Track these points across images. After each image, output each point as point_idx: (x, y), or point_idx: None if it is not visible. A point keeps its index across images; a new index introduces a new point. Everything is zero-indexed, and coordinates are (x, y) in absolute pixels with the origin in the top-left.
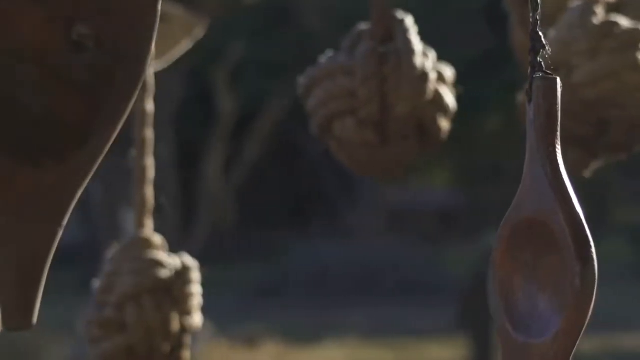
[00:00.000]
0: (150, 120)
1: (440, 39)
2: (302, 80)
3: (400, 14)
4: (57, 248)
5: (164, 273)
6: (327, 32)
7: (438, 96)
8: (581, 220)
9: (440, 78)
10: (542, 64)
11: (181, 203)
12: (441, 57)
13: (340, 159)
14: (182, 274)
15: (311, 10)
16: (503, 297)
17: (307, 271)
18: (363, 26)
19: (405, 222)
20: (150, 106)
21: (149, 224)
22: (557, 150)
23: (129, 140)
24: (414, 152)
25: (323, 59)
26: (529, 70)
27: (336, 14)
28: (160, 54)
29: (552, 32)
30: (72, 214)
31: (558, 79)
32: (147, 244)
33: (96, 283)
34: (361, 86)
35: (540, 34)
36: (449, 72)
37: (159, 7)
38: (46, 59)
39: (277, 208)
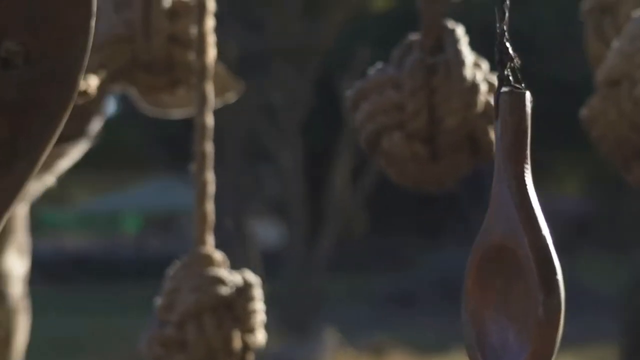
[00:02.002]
0: (210, 134)
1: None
2: (349, 93)
3: (451, 24)
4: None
5: (225, 290)
6: None
7: (489, 108)
8: (547, 245)
9: (492, 89)
10: (510, 77)
11: (309, 211)
12: (580, 62)
13: (390, 175)
14: (243, 290)
15: None
16: (475, 327)
17: (436, 280)
18: (414, 36)
19: None
20: (209, 120)
21: (210, 240)
22: (525, 170)
23: (259, 149)
24: (466, 165)
25: (372, 70)
26: (497, 84)
27: (463, 21)
28: (188, 103)
29: (615, 44)
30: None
31: (527, 94)
32: (208, 260)
33: (158, 300)
34: (409, 99)
35: (508, 45)
36: None
37: (92, 24)
38: None
39: (406, 216)
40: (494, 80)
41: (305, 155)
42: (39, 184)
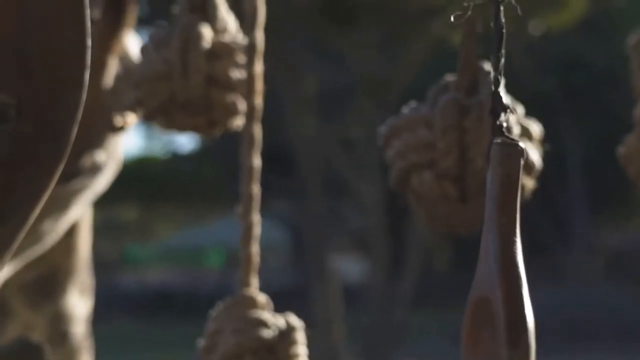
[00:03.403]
0: (257, 175)
1: None
2: (382, 129)
3: (487, 65)
4: (272, 293)
5: (267, 333)
6: (535, 72)
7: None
8: (521, 301)
9: (525, 133)
10: (503, 127)
11: (391, 245)
12: None
13: (419, 214)
14: (286, 334)
15: (518, 50)
16: None
17: None
18: (450, 77)
19: (622, 265)
20: (257, 161)
21: (255, 283)
22: (511, 223)
23: (340, 184)
24: None
25: (406, 108)
26: (490, 134)
27: (542, 55)
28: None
29: None
30: (284, 259)
31: (520, 145)
32: (252, 302)
33: (200, 342)
34: (440, 137)
35: (502, 94)
36: (535, 127)
37: (87, 77)
38: None
39: None
40: (528, 124)
41: (386, 190)
42: (64, 222)
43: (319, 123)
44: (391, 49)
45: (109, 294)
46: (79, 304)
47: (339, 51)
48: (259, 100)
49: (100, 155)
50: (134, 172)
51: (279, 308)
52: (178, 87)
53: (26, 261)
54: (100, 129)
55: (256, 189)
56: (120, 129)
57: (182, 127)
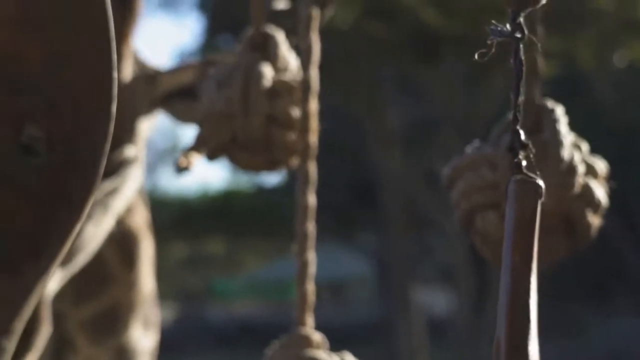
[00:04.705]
0: (312, 214)
1: None
2: (445, 170)
3: (550, 103)
4: (357, 325)
5: None
6: (618, 105)
7: (587, 190)
8: (524, 341)
9: (591, 171)
10: (522, 165)
11: (476, 279)
12: None
13: (485, 254)
14: None
15: (602, 83)
16: None
17: (606, 348)
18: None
19: None
20: (312, 199)
21: (310, 322)
22: (526, 261)
23: (426, 217)
24: (561, 249)
25: (469, 148)
26: (510, 172)
27: (628, 88)
28: None
29: None
30: (370, 291)
31: (539, 182)
32: (307, 342)
33: None
34: (504, 178)
35: (521, 132)
36: (601, 165)
37: (114, 109)
38: None
39: (576, 283)
40: (594, 162)
41: None
42: (104, 227)
43: (403, 156)
44: (474, 82)
45: (196, 327)
46: (143, 338)
47: (423, 85)
48: (313, 139)
49: (130, 150)
50: (221, 205)
51: (363, 341)
52: (239, 127)
53: (72, 271)
54: (128, 123)
55: (311, 228)
56: (185, 169)
57: (243, 166)
